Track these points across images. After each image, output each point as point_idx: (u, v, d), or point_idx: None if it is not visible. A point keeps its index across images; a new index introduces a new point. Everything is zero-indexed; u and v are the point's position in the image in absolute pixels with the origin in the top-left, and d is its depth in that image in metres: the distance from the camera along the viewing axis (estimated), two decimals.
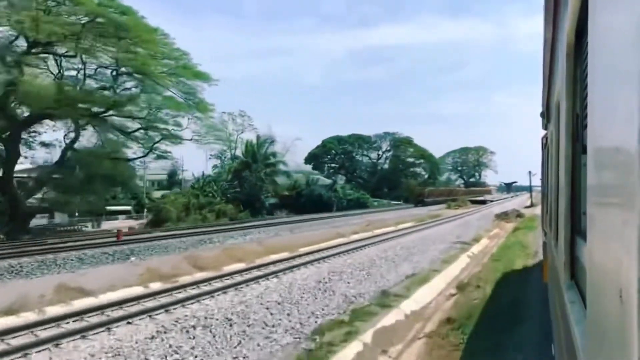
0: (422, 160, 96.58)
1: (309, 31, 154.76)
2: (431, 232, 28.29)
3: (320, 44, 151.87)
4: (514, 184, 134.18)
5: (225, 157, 62.30)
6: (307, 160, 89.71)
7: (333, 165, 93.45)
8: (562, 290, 2.77)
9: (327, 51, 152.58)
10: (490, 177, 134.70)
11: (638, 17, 0.78)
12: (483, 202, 73.05)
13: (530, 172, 60.07)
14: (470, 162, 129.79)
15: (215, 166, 61.21)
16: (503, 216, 41.06)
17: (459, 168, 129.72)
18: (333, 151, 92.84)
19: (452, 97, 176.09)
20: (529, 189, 68.21)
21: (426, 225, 33.37)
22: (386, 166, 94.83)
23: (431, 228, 31.40)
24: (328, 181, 71.22)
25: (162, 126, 35.23)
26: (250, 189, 49.07)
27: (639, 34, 0.77)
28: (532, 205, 58.70)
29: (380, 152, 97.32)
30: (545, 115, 6.85)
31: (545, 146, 8.19)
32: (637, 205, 0.77)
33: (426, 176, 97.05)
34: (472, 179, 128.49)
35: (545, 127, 7.55)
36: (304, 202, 53.42)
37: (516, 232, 28.26)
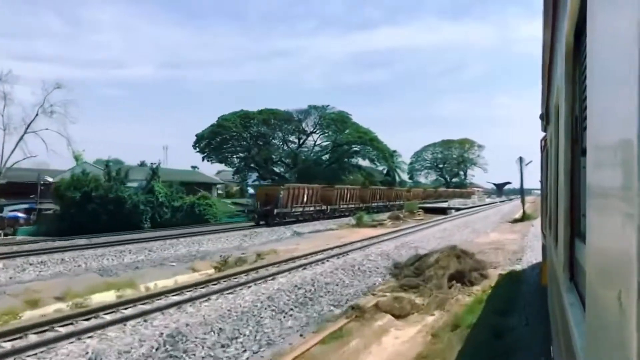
0: (366, 147, 66.37)
1: (310, 34, 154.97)
2: None
3: (321, 46, 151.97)
4: (506, 186, 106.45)
5: None
6: (196, 147, 61.58)
7: (242, 155, 63.77)
8: (562, 292, 2.77)
9: (327, 54, 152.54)
10: (479, 177, 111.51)
11: (637, 19, 0.78)
12: (442, 212, 47.31)
13: (521, 160, 35.11)
14: (454, 157, 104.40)
15: None
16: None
17: (440, 165, 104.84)
18: (242, 134, 61.80)
19: (451, 99, 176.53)
20: (521, 190, 43.30)
21: None
22: (314, 156, 65.92)
23: None
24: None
25: None
26: None
27: (637, 35, 0.77)
28: (524, 217, 36.48)
29: (303, 136, 65.51)
30: (545, 117, 6.86)
31: (544, 148, 8.19)
32: (636, 207, 0.77)
33: (384, 170, 70.83)
34: (455, 179, 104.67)
35: (544, 129, 7.56)
36: (97, 212, 31.31)
37: None
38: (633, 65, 0.78)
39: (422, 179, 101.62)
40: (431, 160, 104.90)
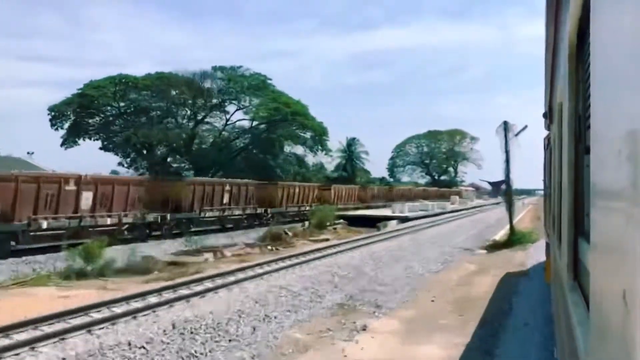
0: (293, 126, 44.30)
1: (310, 34, 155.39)
2: None
3: (321, 46, 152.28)
4: (503, 184, 62.14)
5: None
6: (53, 125, 39.90)
7: (116, 139, 41.57)
8: (565, 291, 2.76)
9: (327, 54, 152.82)
10: (474, 175, 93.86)
11: None
12: (372, 224, 29.38)
13: (505, 125, 23.07)
14: (442, 151, 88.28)
15: None
16: None
17: (426, 161, 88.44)
18: (120, 109, 41.19)
19: (451, 99, 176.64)
20: (507, 182, 26.28)
21: None
22: (219, 138, 44.78)
23: None
24: None
25: None
26: None
27: None
28: (512, 238, 22.03)
29: (205, 109, 43.60)
30: (548, 116, 6.84)
31: (548, 147, 8.16)
32: None
33: (339, 161, 53.26)
34: (444, 176, 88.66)
35: (548, 127, 7.53)
36: None
37: None
38: (636, 64, 0.78)
39: (405, 177, 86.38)
40: (416, 154, 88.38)
